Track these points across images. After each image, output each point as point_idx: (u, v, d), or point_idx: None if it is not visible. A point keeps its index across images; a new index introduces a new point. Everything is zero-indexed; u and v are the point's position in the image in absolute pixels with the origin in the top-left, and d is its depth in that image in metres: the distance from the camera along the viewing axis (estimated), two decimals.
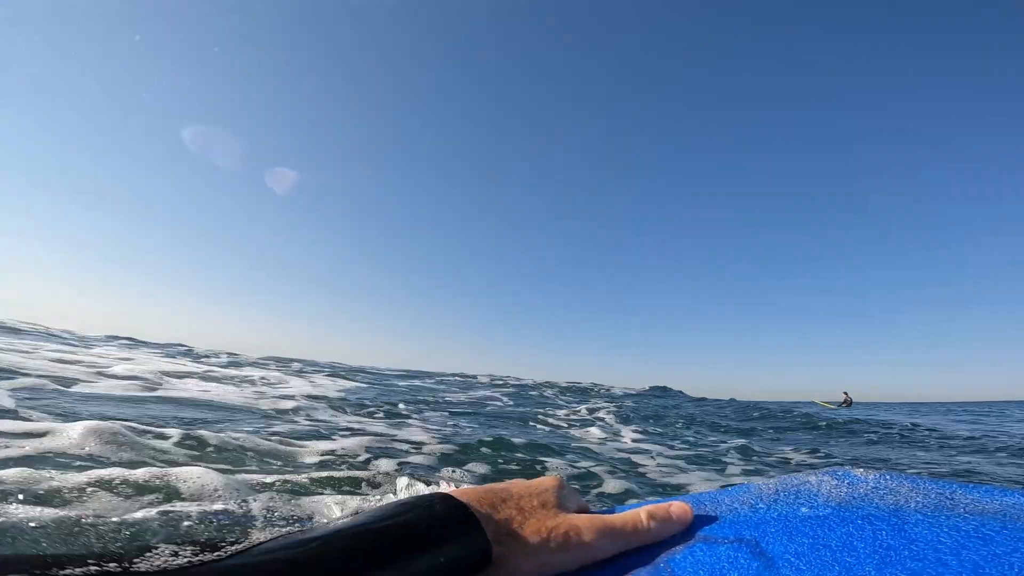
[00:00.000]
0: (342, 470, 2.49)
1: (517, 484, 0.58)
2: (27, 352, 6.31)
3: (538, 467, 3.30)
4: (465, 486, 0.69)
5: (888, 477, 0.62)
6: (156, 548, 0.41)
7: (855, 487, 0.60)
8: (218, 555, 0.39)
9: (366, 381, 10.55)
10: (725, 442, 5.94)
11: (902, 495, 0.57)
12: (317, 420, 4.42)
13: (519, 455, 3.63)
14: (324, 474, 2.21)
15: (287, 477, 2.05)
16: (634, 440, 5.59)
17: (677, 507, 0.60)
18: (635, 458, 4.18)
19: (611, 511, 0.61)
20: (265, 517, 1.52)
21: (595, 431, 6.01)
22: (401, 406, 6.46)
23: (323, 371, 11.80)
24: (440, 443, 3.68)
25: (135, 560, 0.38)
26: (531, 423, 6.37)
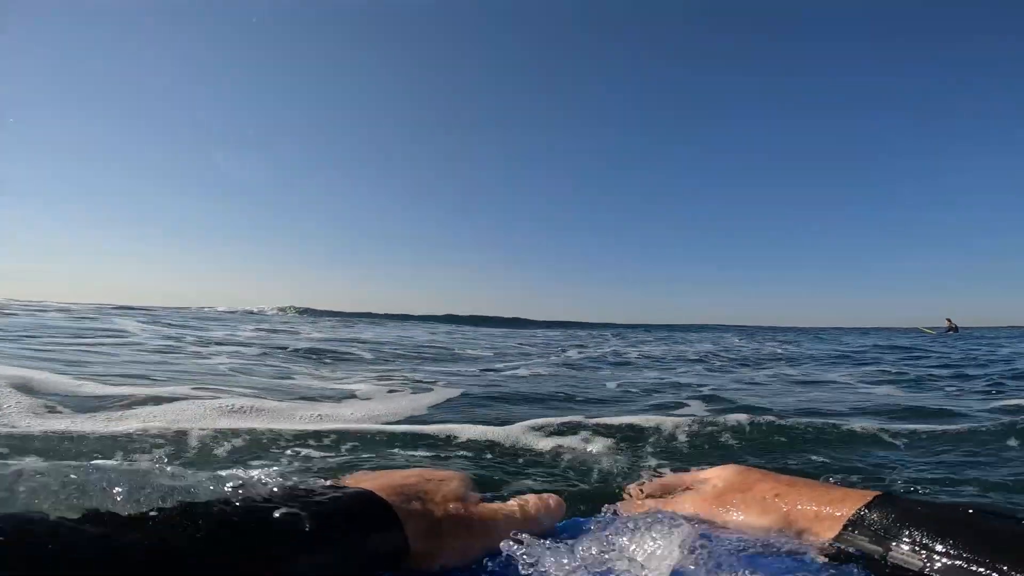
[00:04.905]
0: None
1: (428, 476, 0.64)
2: None
3: None
4: (370, 471, 0.72)
5: None
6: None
7: None
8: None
9: None
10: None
11: None
12: None
13: None
14: None
15: None
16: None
17: (554, 500, 0.72)
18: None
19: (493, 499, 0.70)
20: None
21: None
22: None
23: None
24: None
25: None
26: None
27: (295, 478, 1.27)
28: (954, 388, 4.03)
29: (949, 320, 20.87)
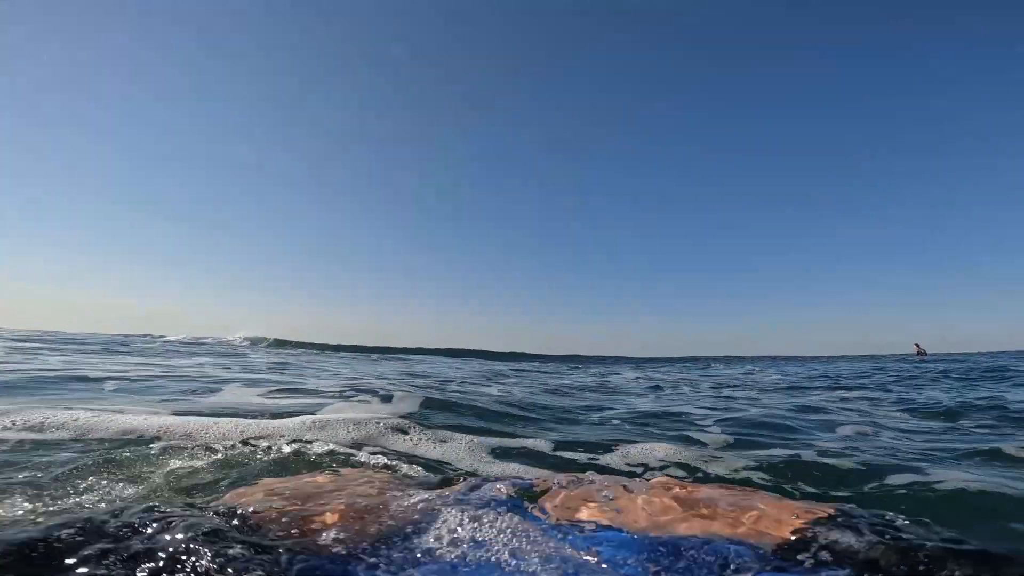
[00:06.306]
0: None
1: (337, 477, 0.70)
2: None
3: None
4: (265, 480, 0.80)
5: None
6: None
7: None
8: None
9: None
10: None
11: None
12: None
13: None
14: None
15: None
16: None
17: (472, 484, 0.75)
18: None
19: None
20: None
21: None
22: None
23: None
24: None
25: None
26: None
27: (160, 498, 1.16)
28: None
29: (918, 345, 21.55)
